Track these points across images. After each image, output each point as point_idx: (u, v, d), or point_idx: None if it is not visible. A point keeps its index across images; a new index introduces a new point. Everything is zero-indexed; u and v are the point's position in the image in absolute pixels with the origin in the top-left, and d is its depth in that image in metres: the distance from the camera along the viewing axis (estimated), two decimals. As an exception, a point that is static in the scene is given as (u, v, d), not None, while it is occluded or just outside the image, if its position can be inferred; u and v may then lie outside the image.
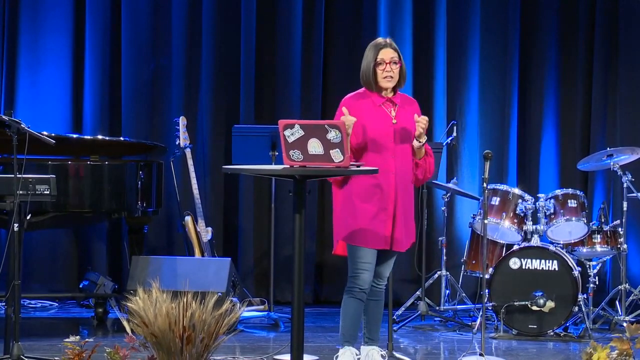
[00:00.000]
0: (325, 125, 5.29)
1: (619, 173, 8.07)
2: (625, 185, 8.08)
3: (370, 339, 6.20)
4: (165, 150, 8.47)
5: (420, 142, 5.96)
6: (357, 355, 6.12)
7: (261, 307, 8.29)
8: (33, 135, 6.31)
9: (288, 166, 5.35)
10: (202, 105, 9.30)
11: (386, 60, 5.95)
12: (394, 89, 6.03)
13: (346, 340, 6.10)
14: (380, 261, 6.05)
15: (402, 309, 8.39)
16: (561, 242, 8.05)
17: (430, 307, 8.30)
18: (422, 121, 5.90)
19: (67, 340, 5.79)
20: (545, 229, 8.05)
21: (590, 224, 8.10)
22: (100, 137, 8.47)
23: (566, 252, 7.93)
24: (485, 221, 6.93)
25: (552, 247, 7.86)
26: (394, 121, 5.99)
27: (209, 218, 8.81)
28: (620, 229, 8.09)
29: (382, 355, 6.22)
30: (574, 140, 9.32)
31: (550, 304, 7.69)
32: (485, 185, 6.78)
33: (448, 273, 8.43)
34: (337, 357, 6.17)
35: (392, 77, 5.96)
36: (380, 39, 6.08)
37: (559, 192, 8.17)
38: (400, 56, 6.01)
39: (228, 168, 5.63)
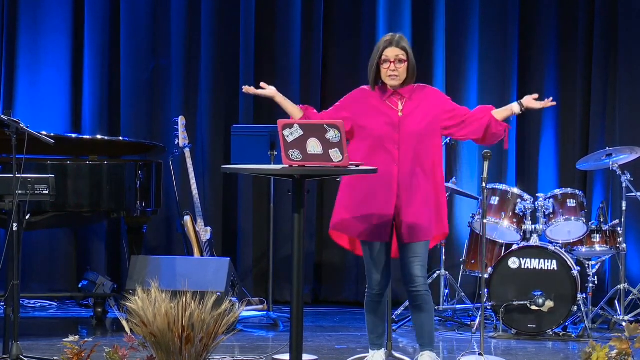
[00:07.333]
0: (324, 125, 5.29)
1: (618, 173, 8.07)
2: (624, 184, 8.07)
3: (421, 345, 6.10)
4: (165, 150, 8.47)
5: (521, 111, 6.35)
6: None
7: (260, 306, 8.29)
8: (32, 134, 6.30)
9: (287, 166, 5.35)
10: (201, 105, 9.30)
11: (391, 59, 5.83)
12: (403, 84, 5.89)
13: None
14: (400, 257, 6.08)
15: (402, 308, 8.37)
16: (560, 242, 8.04)
17: (430, 307, 8.30)
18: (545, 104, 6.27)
19: (66, 340, 5.78)
20: (544, 228, 8.04)
21: (590, 223, 8.10)
22: (99, 136, 8.48)
23: (565, 251, 7.93)
24: (485, 221, 6.92)
25: (551, 247, 7.86)
26: (400, 114, 5.87)
27: (208, 218, 8.80)
28: (619, 229, 8.08)
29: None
30: (573, 140, 9.30)
31: (550, 304, 7.69)
32: (484, 184, 6.77)
33: (447, 273, 8.41)
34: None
35: (397, 75, 5.85)
36: (388, 36, 5.93)
37: (558, 191, 8.17)
38: (409, 53, 5.86)
39: (227, 168, 5.63)
